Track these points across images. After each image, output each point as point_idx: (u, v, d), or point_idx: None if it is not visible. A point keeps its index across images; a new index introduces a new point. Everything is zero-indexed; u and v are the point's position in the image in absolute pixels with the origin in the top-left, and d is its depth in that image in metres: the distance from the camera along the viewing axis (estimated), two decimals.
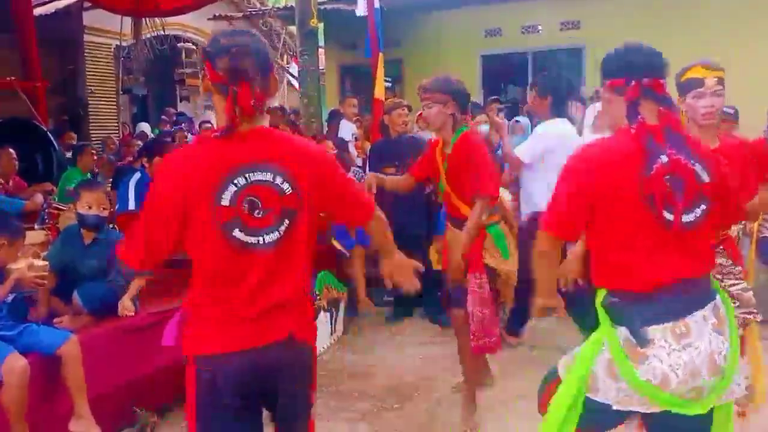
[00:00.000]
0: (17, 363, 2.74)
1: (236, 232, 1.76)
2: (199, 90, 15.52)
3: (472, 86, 9.53)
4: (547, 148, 4.06)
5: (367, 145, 6.82)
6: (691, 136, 1.96)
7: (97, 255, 3.44)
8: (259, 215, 1.76)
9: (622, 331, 1.90)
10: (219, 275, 1.80)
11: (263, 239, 1.78)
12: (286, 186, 1.78)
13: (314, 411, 2.03)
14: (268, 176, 1.77)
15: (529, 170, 4.22)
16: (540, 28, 9.27)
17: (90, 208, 3.41)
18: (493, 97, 7.01)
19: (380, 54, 6.73)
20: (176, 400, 3.72)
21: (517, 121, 6.21)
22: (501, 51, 9.58)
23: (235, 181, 1.74)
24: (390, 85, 8.75)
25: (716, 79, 2.56)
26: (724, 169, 1.97)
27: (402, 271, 2.13)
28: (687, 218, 1.85)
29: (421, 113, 4.07)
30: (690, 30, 7.98)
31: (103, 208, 3.44)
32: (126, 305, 3.42)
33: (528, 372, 4.14)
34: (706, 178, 1.87)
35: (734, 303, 2.59)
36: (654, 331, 1.85)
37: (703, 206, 1.88)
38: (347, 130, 7.27)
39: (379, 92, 6.78)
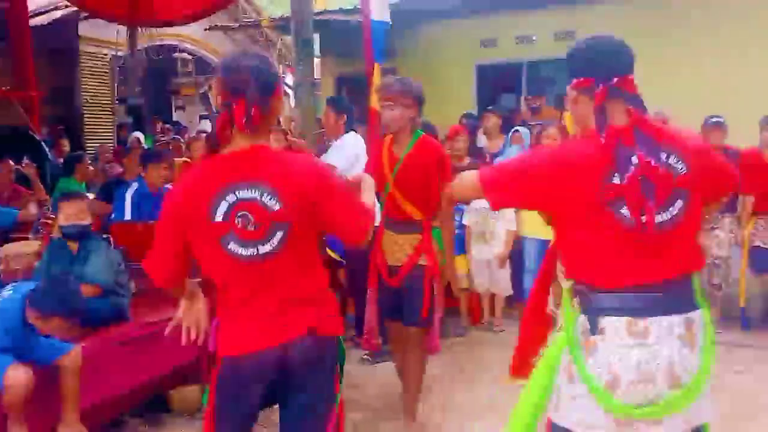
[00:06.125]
0: (20, 375, 2.78)
1: (232, 245, 1.89)
2: (194, 100, 15.55)
3: (468, 96, 9.54)
4: None
5: None
6: (665, 129, 1.84)
7: (86, 263, 3.44)
8: (252, 228, 1.88)
9: (581, 320, 1.84)
10: (227, 284, 1.95)
11: (257, 250, 1.89)
12: (273, 202, 1.88)
13: (342, 401, 2.09)
14: (256, 194, 1.88)
15: None
16: (535, 38, 9.29)
17: (70, 219, 3.41)
18: (488, 107, 6.99)
19: (376, 64, 6.74)
20: (168, 410, 3.71)
21: (516, 131, 6.21)
22: (496, 61, 9.61)
23: (227, 198, 1.88)
24: None
25: None
26: (710, 157, 1.90)
27: None
28: (662, 218, 1.76)
29: None
30: (684, 38, 8.00)
31: (82, 218, 3.43)
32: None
33: None
34: (683, 169, 1.78)
35: None
36: (607, 321, 1.78)
37: (680, 202, 1.78)
38: None
39: (375, 102, 6.77)
